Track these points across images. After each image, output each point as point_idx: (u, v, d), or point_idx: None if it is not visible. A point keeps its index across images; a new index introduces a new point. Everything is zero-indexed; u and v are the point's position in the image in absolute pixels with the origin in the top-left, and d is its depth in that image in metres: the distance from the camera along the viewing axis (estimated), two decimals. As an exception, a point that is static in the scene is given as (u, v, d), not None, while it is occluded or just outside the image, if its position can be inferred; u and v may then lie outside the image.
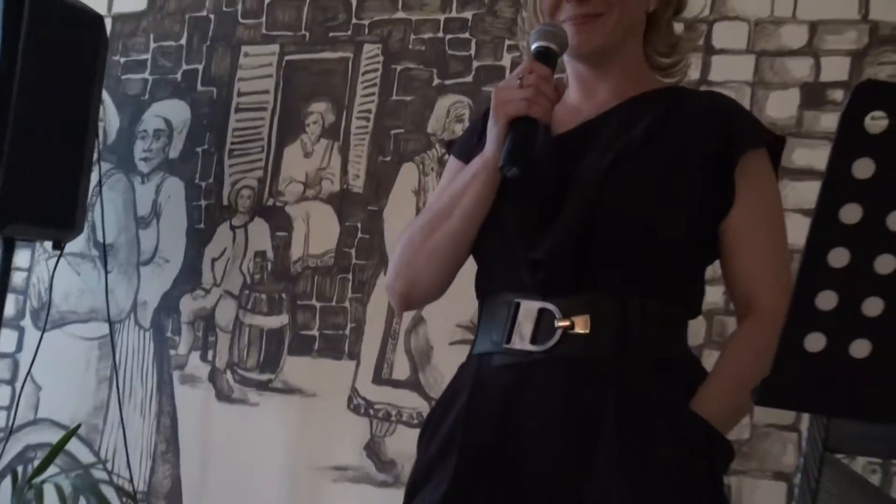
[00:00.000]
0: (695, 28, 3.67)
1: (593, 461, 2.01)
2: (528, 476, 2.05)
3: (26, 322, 4.43)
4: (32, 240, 4.14)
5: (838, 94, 3.50)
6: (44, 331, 4.38)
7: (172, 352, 4.18)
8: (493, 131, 2.11)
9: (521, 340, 2.09)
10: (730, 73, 3.66)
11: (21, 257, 4.24)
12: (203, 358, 4.15)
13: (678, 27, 2.42)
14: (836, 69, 3.50)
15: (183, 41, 4.39)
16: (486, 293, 2.17)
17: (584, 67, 2.23)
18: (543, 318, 2.08)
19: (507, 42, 3.85)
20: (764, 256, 2.17)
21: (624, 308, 2.10)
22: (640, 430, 2.02)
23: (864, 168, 1.28)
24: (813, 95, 3.51)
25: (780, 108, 3.54)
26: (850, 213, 1.28)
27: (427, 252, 2.22)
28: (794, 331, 1.32)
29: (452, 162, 2.32)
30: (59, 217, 4.02)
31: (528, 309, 2.11)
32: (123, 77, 4.41)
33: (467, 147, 2.30)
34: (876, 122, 1.22)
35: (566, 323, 2.05)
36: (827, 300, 1.29)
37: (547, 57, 2.14)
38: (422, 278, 2.25)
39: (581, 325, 2.05)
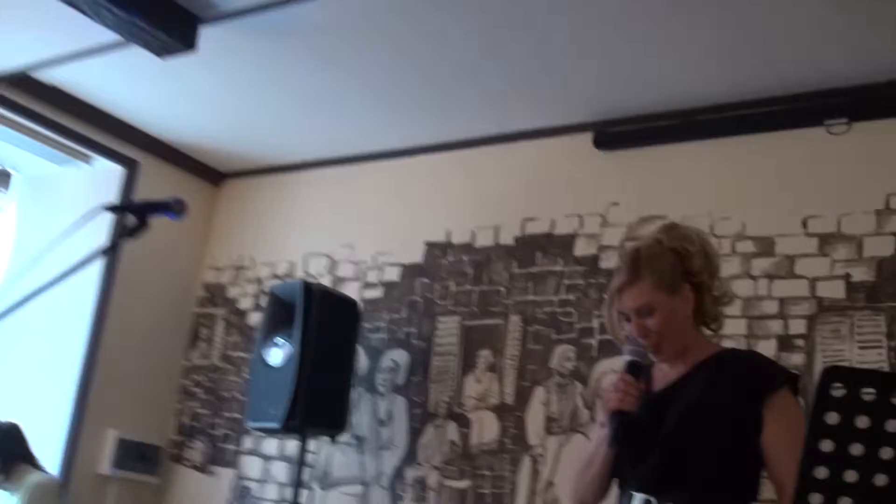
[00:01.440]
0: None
1: None
2: None
3: (314, 484, 4.47)
4: (319, 435, 4.23)
5: (800, 342, 3.41)
6: (324, 490, 4.41)
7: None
8: (604, 417, 2.21)
9: None
10: (733, 329, 3.37)
11: (311, 444, 4.23)
12: (418, 507, 4.32)
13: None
14: (797, 327, 3.43)
15: (404, 314, 4.49)
16: (621, 491, 2.23)
17: None
18: None
19: (595, 314, 3.83)
20: (787, 463, 1.99)
21: (695, 500, 2.06)
22: None
23: (831, 417, 1.35)
24: (785, 342, 3.43)
25: (764, 351, 3.32)
26: (826, 445, 1.34)
27: (585, 485, 2.28)
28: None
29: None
30: (334, 420, 4.08)
31: (639, 498, 2.11)
32: (369, 335, 4.52)
33: None
34: (837, 390, 1.34)
35: None
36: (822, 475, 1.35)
37: (636, 367, 2.20)
38: (587, 498, 2.30)
39: None
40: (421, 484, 4.11)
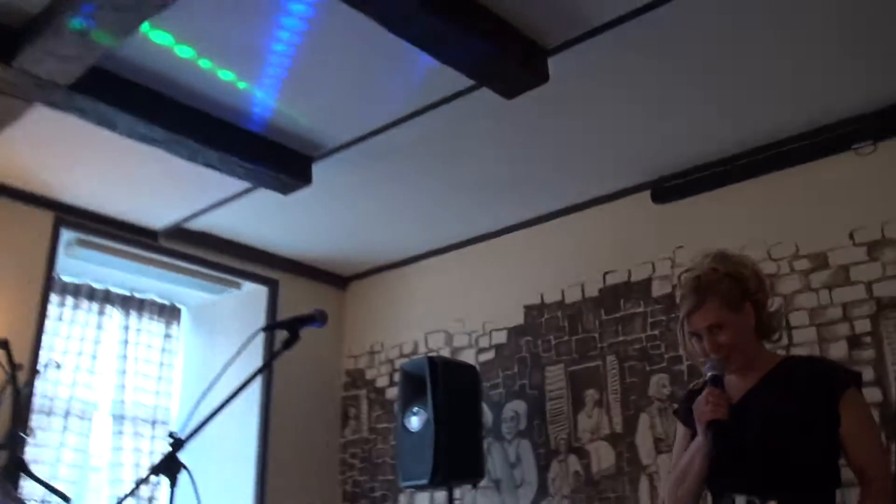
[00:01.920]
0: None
1: None
2: None
3: None
4: (461, 484, 4.15)
5: (868, 339, 3.35)
6: None
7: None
8: (700, 428, 2.17)
9: None
10: (804, 337, 3.50)
11: (456, 493, 4.14)
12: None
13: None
14: (863, 326, 3.36)
15: (516, 370, 4.48)
16: (716, 494, 2.18)
17: None
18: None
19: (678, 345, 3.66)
20: (866, 450, 2.08)
21: (795, 496, 2.03)
22: None
23: None
24: (854, 341, 3.37)
25: (835, 351, 3.39)
26: None
27: (683, 493, 2.21)
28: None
29: (679, 425, 2.38)
30: (472, 469, 4.03)
31: (741, 499, 2.08)
32: (490, 392, 4.51)
33: (682, 414, 2.35)
34: None
35: None
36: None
37: (719, 380, 2.18)
38: None
39: None
40: (555, 514, 4.12)
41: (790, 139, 3.67)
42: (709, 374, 2.18)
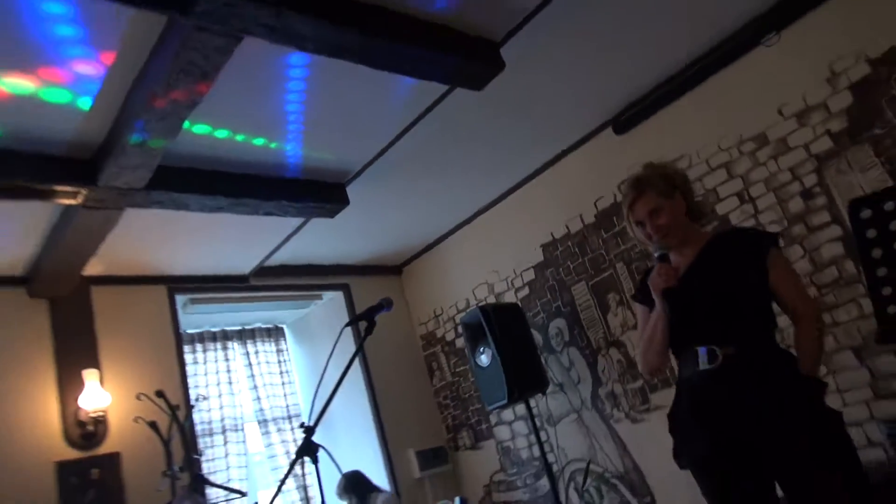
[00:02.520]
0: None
1: (754, 401, 1.96)
2: (725, 416, 2.00)
3: (546, 425, 4.39)
4: (533, 395, 4.02)
5: (818, 189, 3.21)
6: (553, 426, 4.30)
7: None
8: (656, 298, 2.15)
9: (704, 364, 2.05)
10: (768, 201, 3.37)
11: (531, 403, 4.23)
12: None
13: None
14: (811, 180, 3.21)
15: (549, 297, 4.43)
16: (679, 351, 2.16)
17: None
18: (711, 353, 2.04)
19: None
20: (793, 292, 2.08)
21: (744, 339, 2.02)
22: (774, 384, 1.98)
23: (870, 233, 1.27)
24: (807, 194, 3.23)
25: (794, 205, 3.26)
26: (876, 253, 1.24)
27: (653, 355, 2.19)
28: (876, 293, 1.23)
29: (637, 305, 2.34)
30: (538, 382, 3.98)
31: (702, 350, 2.06)
32: (534, 319, 4.46)
33: (640, 295, 2.30)
34: (865, 212, 1.27)
35: (722, 352, 2.02)
36: (882, 273, 1.26)
37: (664, 257, 2.18)
38: (655, 363, 2.21)
39: (729, 351, 2.02)
40: (611, 395, 4.03)
41: (711, 51, 3.53)
42: (656, 254, 2.17)
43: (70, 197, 2.99)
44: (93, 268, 3.89)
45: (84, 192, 2.96)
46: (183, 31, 2.25)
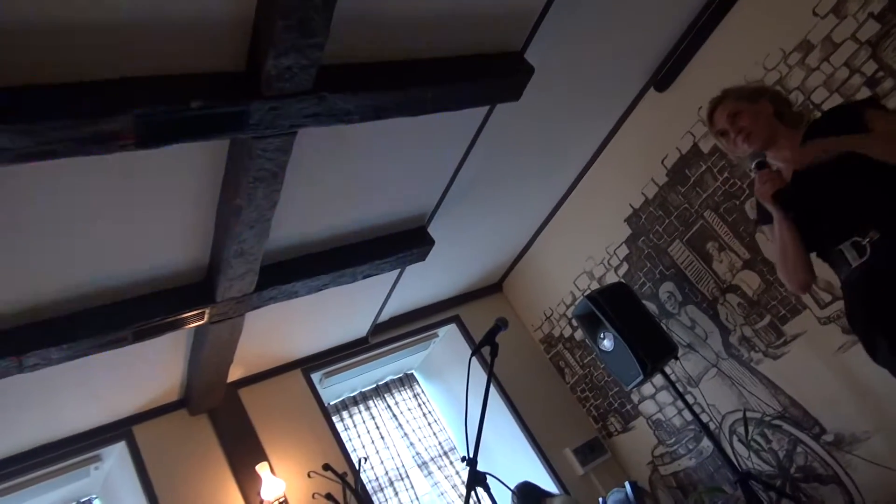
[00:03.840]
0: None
1: None
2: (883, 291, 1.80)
3: (689, 388, 4.24)
4: (666, 363, 3.88)
5: (881, 73, 3.02)
6: (695, 387, 4.15)
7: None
8: (771, 208, 1.97)
9: (854, 260, 1.85)
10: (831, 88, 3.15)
11: (667, 370, 4.04)
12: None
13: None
14: (870, 67, 3.03)
15: (648, 264, 4.33)
16: (825, 254, 1.96)
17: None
18: (857, 246, 1.83)
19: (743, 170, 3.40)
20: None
21: (884, 218, 1.79)
22: None
23: None
24: (871, 82, 3.05)
25: (860, 94, 3.05)
26: None
27: (795, 267, 1.97)
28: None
29: (765, 227, 2.14)
30: (666, 349, 3.83)
31: (848, 247, 1.85)
32: (641, 290, 4.37)
33: (761, 217, 2.13)
34: None
35: (867, 241, 1.81)
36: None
37: (762, 164, 2.01)
38: (800, 280, 2.00)
39: (875, 237, 1.80)
40: (743, 339, 3.87)
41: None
42: (752, 163, 2.00)
43: (198, 319, 3.19)
44: (234, 373, 4.11)
45: (207, 311, 3.15)
46: (245, 144, 2.40)
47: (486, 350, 2.35)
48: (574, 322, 4.45)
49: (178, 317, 3.09)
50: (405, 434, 5.03)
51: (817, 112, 3.25)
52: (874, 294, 1.79)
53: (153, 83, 2.00)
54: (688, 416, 4.30)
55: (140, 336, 3.03)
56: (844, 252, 1.85)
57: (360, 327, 4.66)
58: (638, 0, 3.19)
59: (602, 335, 3.97)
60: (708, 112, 2.09)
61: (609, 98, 3.92)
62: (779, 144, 2.01)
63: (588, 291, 4.42)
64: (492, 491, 2.00)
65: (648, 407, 4.62)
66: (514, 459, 4.89)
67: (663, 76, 3.86)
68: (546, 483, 4.55)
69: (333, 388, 4.82)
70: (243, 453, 4.01)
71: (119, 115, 1.90)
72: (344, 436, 4.59)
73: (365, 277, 3.70)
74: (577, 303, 4.25)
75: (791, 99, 2.18)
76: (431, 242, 3.88)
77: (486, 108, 3.19)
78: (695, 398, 4.21)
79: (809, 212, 1.90)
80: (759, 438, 3.86)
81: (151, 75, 1.99)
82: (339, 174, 3.03)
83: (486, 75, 2.82)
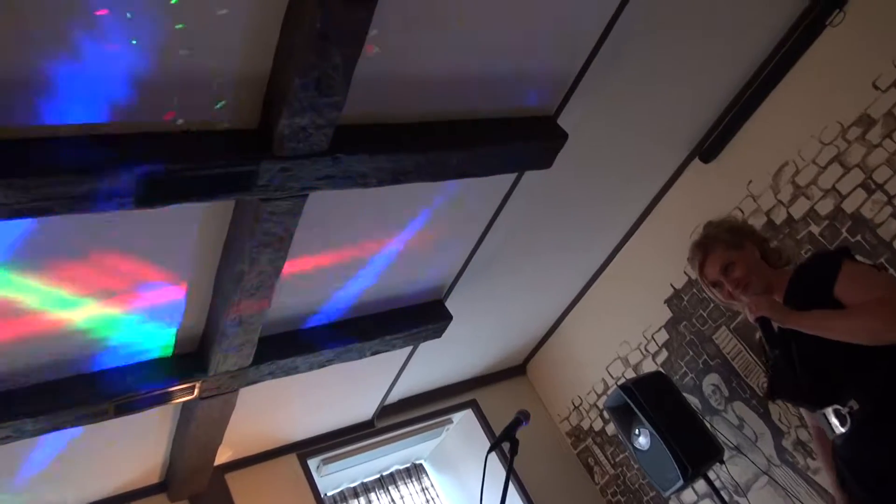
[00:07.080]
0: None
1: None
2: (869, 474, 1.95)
3: (737, 497, 4.11)
4: (710, 467, 3.80)
5: None
6: (743, 496, 4.02)
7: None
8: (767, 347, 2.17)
9: (837, 428, 1.97)
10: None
11: (711, 476, 3.89)
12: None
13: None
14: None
15: (691, 352, 4.25)
16: (816, 413, 2.12)
17: None
18: (837, 414, 1.96)
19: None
20: (853, 293, 1.93)
21: (863, 388, 1.91)
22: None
23: None
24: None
25: None
26: None
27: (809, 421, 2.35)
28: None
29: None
30: (711, 451, 3.73)
31: (829, 412, 1.99)
32: (682, 382, 4.27)
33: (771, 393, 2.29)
34: None
35: (847, 410, 1.93)
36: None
37: (766, 323, 2.08)
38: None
39: (854, 408, 1.92)
40: (798, 444, 3.76)
41: (775, 51, 3.53)
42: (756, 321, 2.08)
43: (187, 393, 3.18)
44: (223, 455, 4.04)
45: (198, 384, 3.14)
46: (251, 206, 2.44)
47: (505, 443, 2.31)
48: (606, 414, 4.36)
49: (166, 390, 3.07)
50: (410, 532, 4.91)
51: (878, 197, 3.26)
52: (858, 472, 1.95)
53: (154, 139, 2.04)
54: (735, 529, 4.17)
55: (122, 410, 3.01)
56: (827, 418, 1.97)
57: (365, 409, 4.59)
58: (682, 61, 3.26)
59: (637, 431, 3.88)
60: (698, 266, 2.24)
61: (649, 168, 3.96)
62: (772, 289, 2.15)
63: (622, 380, 4.34)
64: None
65: (689, 517, 4.49)
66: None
67: (709, 146, 3.91)
68: None
69: (332, 477, 4.71)
70: (225, 548, 3.91)
71: (118, 172, 1.95)
72: (342, 532, 4.47)
73: (373, 354, 3.68)
74: (609, 392, 4.17)
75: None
76: (449, 317, 3.86)
77: (514, 175, 3.23)
78: (743, 509, 4.10)
79: (796, 373, 2.00)
80: (817, 560, 3.70)
81: (152, 131, 2.04)
82: (352, 241, 3.05)
83: (515, 139, 2.87)
